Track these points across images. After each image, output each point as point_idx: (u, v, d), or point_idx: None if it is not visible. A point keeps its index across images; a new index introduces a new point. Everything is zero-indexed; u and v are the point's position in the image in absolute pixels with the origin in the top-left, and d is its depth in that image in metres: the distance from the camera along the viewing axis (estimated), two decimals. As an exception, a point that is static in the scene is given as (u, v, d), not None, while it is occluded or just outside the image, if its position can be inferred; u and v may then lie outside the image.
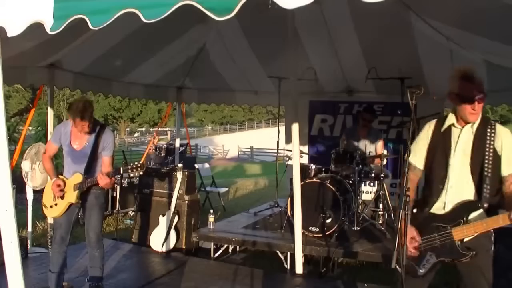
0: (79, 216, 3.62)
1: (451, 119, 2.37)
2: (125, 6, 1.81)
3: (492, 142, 2.24)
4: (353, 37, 5.21)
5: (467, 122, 2.32)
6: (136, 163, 3.43)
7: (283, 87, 5.89)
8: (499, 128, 2.29)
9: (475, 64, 4.94)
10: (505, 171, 2.25)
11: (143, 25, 1.90)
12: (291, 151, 5.15)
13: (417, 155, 2.47)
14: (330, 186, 4.84)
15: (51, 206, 3.52)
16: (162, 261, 4.88)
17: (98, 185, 3.42)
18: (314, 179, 5.04)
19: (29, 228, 5.18)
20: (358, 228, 5.07)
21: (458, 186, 2.31)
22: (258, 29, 5.24)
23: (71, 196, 3.44)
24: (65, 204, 3.46)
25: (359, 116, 6.00)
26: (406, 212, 2.15)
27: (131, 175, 3.36)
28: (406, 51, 5.11)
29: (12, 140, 8.55)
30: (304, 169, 5.26)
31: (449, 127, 2.37)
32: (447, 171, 2.32)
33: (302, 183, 4.62)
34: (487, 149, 2.24)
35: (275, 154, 7.82)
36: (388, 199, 5.45)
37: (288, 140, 6.39)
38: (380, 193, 5.44)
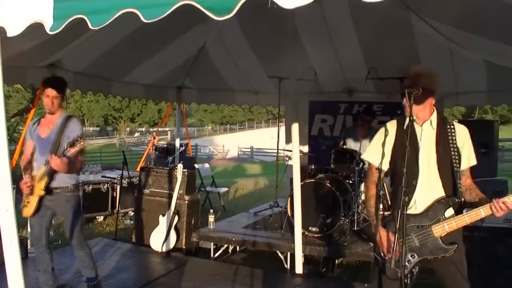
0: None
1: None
2: (124, 6, 1.81)
3: (455, 140, 2.34)
4: (353, 37, 5.21)
5: (424, 119, 2.39)
6: (76, 137, 3.29)
7: (283, 87, 5.89)
8: (458, 126, 2.39)
9: (475, 64, 4.96)
10: (464, 165, 2.35)
11: (143, 25, 1.90)
12: (291, 151, 5.15)
13: (384, 158, 2.49)
14: (330, 186, 4.84)
15: (25, 206, 3.44)
16: (162, 261, 4.88)
17: (55, 172, 3.32)
18: (314, 179, 5.04)
19: (29, 228, 5.17)
20: (358, 228, 5.08)
21: (426, 182, 2.35)
22: (258, 29, 5.24)
23: (38, 189, 3.35)
24: (35, 199, 3.37)
25: (358, 116, 6.03)
26: (404, 212, 2.15)
27: (75, 149, 3.23)
28: (406, 51, 5.12)
29: (12, 140, 8.55)
30: (304, 169, 5.26)
31: (411, 124, 2.40)
32: (418, 166, 2.36)
33: (302, 183, 4.62)
34: (452, 146, 2.33)
35: (275, 154, 7.82)
36: (388, 199, 5.43)
37: (288, 140, 6.40)
38: (380, 193, 5.42)
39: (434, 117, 2.40)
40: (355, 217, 5.08)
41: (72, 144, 3.25)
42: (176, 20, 2.55)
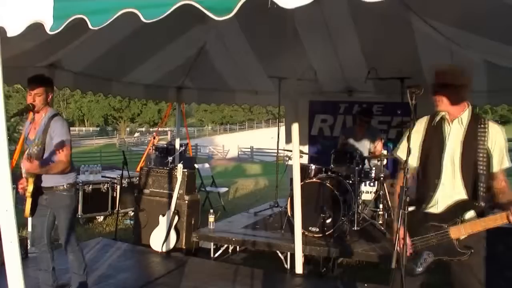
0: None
1: (441, 112, 2.40)
2: (124, 6, 1.81)
3: (485, 140, 2.27)
4: (353, 37, 5.21)
5: (454, 116, 2.35)
6: (36, 140, 3.24)
7: (283, 87, 5.89)
8: (492, 126, 2.30)
9: (475, 64, 4.96)
10: (495, 167, 2.28)
11: (143, 25, 1.90)
12: (291, 151, 5.15)
13: (412, 154, 2.44)
14: (330, 186, 4.84)
15: (24, 206, 3.42)
16: (162, 261, 4.88)
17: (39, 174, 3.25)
18: (314, 179, 5.04)
19: (29, 228, 5.17)
20: (358, 228, 5.08)
21: (450, 182, 2.33)
22: (258, 29, 5.24)
23: (28, 189, 3.30)
24: (29, 200, 3.34)
25: (356, 117, 6.05)
26: (405, 212, 2.15)
27: (34, 150, 3.15)
28: (406, 51, 5.12)
29: (12, 140, 8.55)
30: (304, 169, 5.26)
31: (440, 121, 2.40)
32: (442, 165, 2.34)
33: (302, 183, 4.62)
34: (480, 147, 2.26)
35: (275, 154, 7.82)
36: (388, 199, 5.45)
37: (288, 140, 6.39)
38: (380, 193, 5.44)
39: (465, 114, 2.33)
40: (355, 217, 5.08)
41: (33, 147, 3.13)
42: (176, 20, 2.55)
